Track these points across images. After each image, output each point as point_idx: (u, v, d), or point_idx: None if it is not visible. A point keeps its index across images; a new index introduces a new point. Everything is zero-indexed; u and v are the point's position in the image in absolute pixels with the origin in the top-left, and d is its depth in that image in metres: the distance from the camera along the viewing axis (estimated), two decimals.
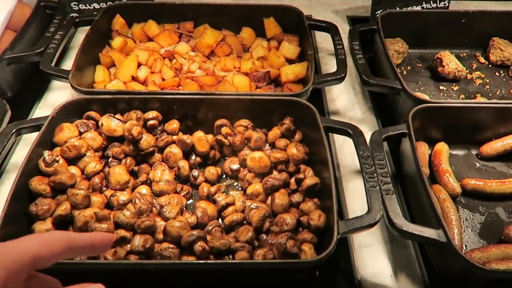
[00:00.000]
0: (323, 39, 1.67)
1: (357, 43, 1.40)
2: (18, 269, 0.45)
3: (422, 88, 1.49)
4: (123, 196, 1.05)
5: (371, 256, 1.06)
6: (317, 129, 1.12)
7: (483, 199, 1.17)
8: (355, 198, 1.17)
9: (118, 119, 1.18)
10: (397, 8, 1.65)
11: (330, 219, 0.95)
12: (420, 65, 1.59)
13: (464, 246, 1.06)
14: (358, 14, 1.84)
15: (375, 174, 1.01)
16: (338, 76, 1.30)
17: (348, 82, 1.52)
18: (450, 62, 1.47)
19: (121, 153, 1.17)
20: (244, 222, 1.03)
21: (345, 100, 1.48)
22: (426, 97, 1.32)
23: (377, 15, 1.52)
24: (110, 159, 1.17)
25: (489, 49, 1.58)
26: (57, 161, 1.08)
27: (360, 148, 1.08)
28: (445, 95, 1.47)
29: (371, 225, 0.93)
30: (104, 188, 1.10)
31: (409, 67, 1.57)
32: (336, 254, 1.01)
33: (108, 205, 1.07)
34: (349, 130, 1.13)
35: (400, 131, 1.14)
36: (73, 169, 1.10)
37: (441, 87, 1.50)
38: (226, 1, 1.67)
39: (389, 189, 1.00)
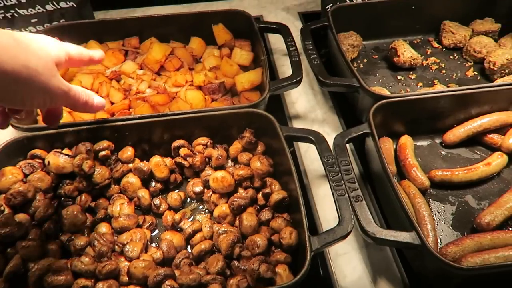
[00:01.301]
0: (276, 40, 1.62)
1: (310, 42, 1.36)
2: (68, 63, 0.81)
3: (380, 80, 1.48)
4: (79, 241, 0.97)
5: (349, 264, 1.03)
6: (278, 139, 1.08)
7: (452, 188, 1.16)
8: (326, 205, 1.14)
9: (66, 154, 1.09)
10: (347, 1, 1.63)
11: (302, 235, 0.91)
12: (376, 56, 1.57)
13: (439, 241, 1.05)
14: (309, 9, 1.81)
15: (342, 181, 0.98)
16: (294, 80, 1.26)
17: (306, 83, 1.49)
18: (405, 51, 1.46)
19: (74, 190, 1.08)
20: (214, 248, 0.98)
21: (305, 102, 1.44)
22: (386, 92, 1.30)
23: (328, 10, 1.48)
24: (62, 198, 1.08)
25: (441, 33, 1.58)
26: (2, 211, 0.99)
27: (324, 155, 1.05)
28: (404, 84, 1.46)
29: (343, 237, 0.90)
30: (60, 233, 1.02)
31: (365, 60, 1.55)
32: (313, 267, 0.98)
33: (66, 251, 0.99)
34: (311, 137, 1.09)
35: (362, 131, 1.11)
36: (22, 217, 1.01)
37: (399, 77, 1.48)
38: (172, 11, 1.60)
39: (357, 195, 0.96)
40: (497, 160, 1.17)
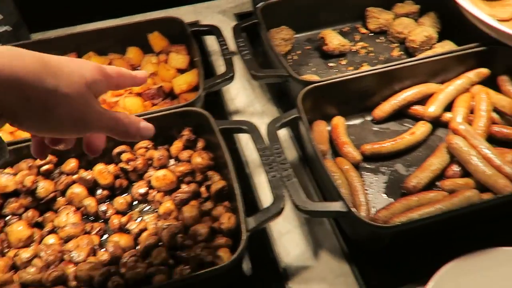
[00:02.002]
0: (213, 42, 1.68)
1: (242, 40, 1.43)
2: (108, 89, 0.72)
3: (313, 69, 1.56)
4: (25, 253, 0.99)
5: (292, 241, 1.09)
6: (214, 134, 1.13)
7: (383, 159, 1.24)
8: (267, 190, 1.19)
9: (7, 173, 1.11)
10: None
11: (239, 218, 0.96)
12: (309, 47, 1.65)
13: (373, 209, 1.12)
14: (244, 10, 1.87)
15: (274, 164, 1.04)
16: (227, 77, 1.32)
17: (244, 79, 1.55)
18: (333, 39, 1.54)
19: (19, 208, 1.10)
20: (160, 243, 1.02)
21: (244, 97, 1.50)
22: (315, 78, 1.37)
23: (257, 8, 1.55)
24: (9, 217, 1.10)
25: (366, 19, 1.68)
26: None
27: (258, 142, 1.11)
28: (336, 70, 1.54)
29: (277, 214, 0.96)
30: (7, 250, 1.03)
31: (299, 51, 1.63)
32: (259, 249, 1.04)
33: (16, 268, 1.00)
34: (244, 127, 1.15)
35: (293, 116, 1.18)
36: None
37: (330, 64, 1.57)
38: (108, 24, 1.63)
39: (289, 174, 1.03)
40: (421, 129, 1.26)
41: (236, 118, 1.43)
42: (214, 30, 1.49)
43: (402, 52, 1.59)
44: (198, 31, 1.50)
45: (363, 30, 1.69)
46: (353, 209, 0.94)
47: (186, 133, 1.19)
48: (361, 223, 0.93)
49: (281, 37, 1.58)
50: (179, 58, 1.46)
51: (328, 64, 1.57)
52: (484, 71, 1.33)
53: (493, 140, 1.24)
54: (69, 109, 0.61)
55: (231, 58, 1.36)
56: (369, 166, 1.24)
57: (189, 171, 1.14)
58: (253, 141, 1.11)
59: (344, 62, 1.57)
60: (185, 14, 1.90)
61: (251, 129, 1.14)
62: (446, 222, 0.98)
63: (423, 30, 1.50)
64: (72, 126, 0.64)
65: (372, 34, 1.68)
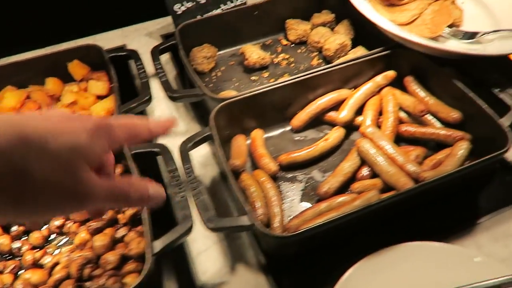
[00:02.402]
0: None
1: (159, 62, 1.45)
2: (113, 148, 0.59)
3: (236, 84, 1.59)
4: None
5: (210, 258, 1.10)
6: (128, 159, 1.14)
7: (300, 168, 1.28)
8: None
9: None
10: (198, 16, 1.73)
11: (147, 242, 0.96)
12: (233, 62, 1.68)
13: (287, 219, 1.14)
14: (170, 31, 1.89)
15: (183, 184, 1.06)
16: (143, 100, 1.33)
17: (167, 100, 1.55)
18: (252, 53, 1.58)
19: None
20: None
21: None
22: (232, 93, 1.40)
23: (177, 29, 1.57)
24: None
25: (286, 31, 1.73)
26: None
27: (169, 164, 1.12)
28: (258, 83, 1.58)
29: (186, 233, 0.97)
30: None
31: (223, 67, 1.66)
32: (175, 270, 1.04)
33: None
34: (156, 150, 1.16)
35: (206, 134, 1.19)
36: None
37: (253, 78, 1.60)
38: (26, 56, 1.62)
39: (198, 193, 1.04)
40: (335, 134, 1.31)
41: (160, 139, 1.44)
42: (132, 55, 1.50)
43: (321, 61, 1.64)
44: (116, 56, 1.51)
45: (285, 42, 1.74)
46: (257, 222, 0.96)
47: None
48: (262, 235, 0.95)
49: (203, 56, 1.61)
50: (98, 85, 1.46)
51: (251, 78, 1.61)
52: (390, 73, 1.39)
53: (402, 139, 1.30)
54: (57, 193, 0.51)
55: (147, 81, 1.38)
56: (287, 176, 1.27)
57: None
58: (165, 163, 1.13)
59: (266, 74, 1.61)
60: (113, 38, 1.91)
61: (163, 151, 1.15)
62: (351, 223, 1.01)
63: (336, 38, 1.56)
64: (57, 210, 0.55)
65: (293, 45, 1.73)
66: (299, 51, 1.71)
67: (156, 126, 0.64)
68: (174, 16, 1.70)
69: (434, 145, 1.26)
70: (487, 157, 1.05)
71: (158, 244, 0.95)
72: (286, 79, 1.34)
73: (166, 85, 1.36)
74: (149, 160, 1.23)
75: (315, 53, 1.67)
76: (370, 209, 0.99)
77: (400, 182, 1.09)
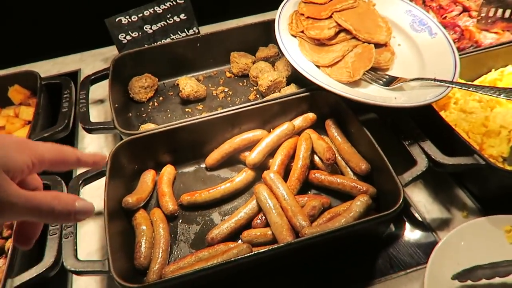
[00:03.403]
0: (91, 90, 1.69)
1: (85, 92, 1.47)
2: (39, 164, 0.61)
3: (169, 115, 1.58)
4: None
5: None
6: None
7: (202, 208, 1.24)
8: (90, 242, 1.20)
9: None
10: (145, 45, 1.75)
11: None
12: (172, 93, 1.68)
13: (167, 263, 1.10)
14: None
15: (60, 227, 1.05)
16: (59, 129, 1.35)
17: None
18: (185, 86, 1.57)
19: None
20: None
21: (95, 145, 1.52)
22: (151, 126, 1.39)
23: (114, 59, 1.59)
24: None
25: (231, 64, 1.71)
26: None
27: None
28: (189, 116, 1.56)
29: (48, 271, 0.96)
30: None
31: (161, 97, 1.66)
32: None
33: None
34: (47, 182, 1.16)
35: (98, 171, 1.18)
36: None
37: (187, 109, 1.59)
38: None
39: (69, 233, 1.03)
40: (241, 176, 1.26)
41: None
42: (63, 83, 1.53)
43: (258, 96, 1.61)
44: (50, 84, 1.54)
45: (229, 74, 1.73)
46: (113, 271, 0.94)
47: None
48: (118, 283, 0.92)
49: (140, 85, 1.62)
50: (28, 111, 1.50)
51: (185, 109, 1.60)
52: (310, 116, 1.34)
53: (312, 185, 1.24)
54: None
55: (67, 110, 1.40)
56: (186, 216, 1.23)
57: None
58: None
59: (200, 107, 1.60)
60: (71, 63, 1.96)
61: (55, 185, 1.15)
62: (220, 275, 0.97)
63: (269, 74, 1.52)
64: None
65: (236, 77, 1.71)
66: (240, 84, 1.68)
67: (85, 156, 0.68)
68: (119, 45, 1.73)
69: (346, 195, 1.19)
70: (370, 217, 0.99)
71: (17, 280, 0.94)
72: (202, 116, 1.32)
73: (81, 116, 1.37)
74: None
75: (256, 87, 1.64)
76: (234, 264, 0.93)
77: (281, 235, 1.04)
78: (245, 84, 1.68)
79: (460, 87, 1.18)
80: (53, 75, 1.86)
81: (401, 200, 1.00)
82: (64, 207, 0.59)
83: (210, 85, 1.68)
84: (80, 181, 1.16)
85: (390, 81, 1.26)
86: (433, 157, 1.10)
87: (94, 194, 1.29)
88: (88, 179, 1.18)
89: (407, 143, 1.15)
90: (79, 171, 1.22)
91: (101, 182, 1.16)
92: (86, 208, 0.62)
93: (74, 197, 0.62)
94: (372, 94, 1.22)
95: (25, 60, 1.96)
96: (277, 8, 1.52)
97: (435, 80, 1.20)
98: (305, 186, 1.24)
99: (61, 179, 1.18)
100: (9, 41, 1.87)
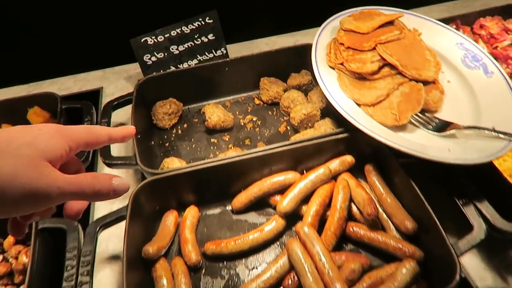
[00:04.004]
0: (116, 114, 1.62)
1: (107, 120, 1.38)
2: (76, 147, 0.66)
3: (194, 146, 1.48)
4: None
5: None
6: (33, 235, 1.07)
7: (228, 259, 1.14)
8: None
9: None
10: (171, 67, 1.66)
11: None
12: (197, 120, 1.58)
13: None
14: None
15: (74, 269, 0.96)
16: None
17: None
18: (212, 115, 1.47)
19: None
20: None
21: None
22: (176, 163, 1.29)
23: (137, 83, 1.50)
24: None
25: (260, 90, 1.60)
26: None
27: (69, 246, 1.03)
28: (215, 147, 1.46)
29: None
30: None
31: (186, 124, 1.56)
32: None
33: None
34: (63, 226, 1.08)
35: (120, 215, 1.10)
36: None
37: (212, 140, 1.49)
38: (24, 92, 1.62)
39: (85, 282, 0.95)
40: (270, 225, 1.15)
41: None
42: (84, 108, 1.45)
43: (289, 127, 1.50)
44: (69, 108, 1.47)
45: (257, 101, 1.62)
46: None
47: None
48: None
49: (164, 112, 1.52)
50: None
51: (211, 139, 1.50)
52: (348, 159, 1.22)
53: (350, 239, 1.12)
54: (16, 188, 0.56)
55: None
56: (210, 268, 1.13)
57: (7, 272, 1.08)
58: (67, 244, 1.04)
59: (227, 138, 1.49)
60: (93, 79, 1.89)
61: (71, 229, 1.07)
62: None
63: (302, 107, 1.41)
64: (26, 204, 0.58)
65: (266, 105, 1.60)
66: (270, 112, 1.57)
67: (115, 133, 0.73)
68: (144, 66, 1.64)
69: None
70: None
71: None
72: (232, 156, 1.21)
73: (102, 149, 1.28)
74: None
75: (286, 118, 1.53)
76: None
77: None
78: (274, 114, 1.56)
79: None
80: (75, 93, 1.80)
81: (457, 276, 0.87)
82: (103, 186, 0.64)
83: (237, 112, 1.58)
84: (98, 228, 1.07)
85: (441, 127, 1.13)
86: (491, 221, 0.97)
87: (112, 234, 1.21)
88: (107, 224, 1.09)
89: (461, 202, 1.02)
90: (96, 215, 1.14)
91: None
92: (123, 185, 0.66)
93: (110, 175, 0.66)
94: (422, 143, 1.09)
95: (47, 75, 1.90)
96: (306, 27, 1.39)
97: (494, 131, 1.07)
98: (341, 239, 1.12)
99: (78, 223, 1.09)
100: (31, 56, 1.81)
